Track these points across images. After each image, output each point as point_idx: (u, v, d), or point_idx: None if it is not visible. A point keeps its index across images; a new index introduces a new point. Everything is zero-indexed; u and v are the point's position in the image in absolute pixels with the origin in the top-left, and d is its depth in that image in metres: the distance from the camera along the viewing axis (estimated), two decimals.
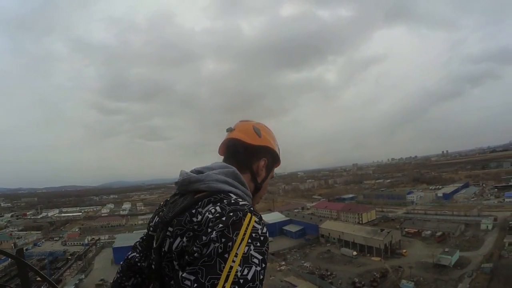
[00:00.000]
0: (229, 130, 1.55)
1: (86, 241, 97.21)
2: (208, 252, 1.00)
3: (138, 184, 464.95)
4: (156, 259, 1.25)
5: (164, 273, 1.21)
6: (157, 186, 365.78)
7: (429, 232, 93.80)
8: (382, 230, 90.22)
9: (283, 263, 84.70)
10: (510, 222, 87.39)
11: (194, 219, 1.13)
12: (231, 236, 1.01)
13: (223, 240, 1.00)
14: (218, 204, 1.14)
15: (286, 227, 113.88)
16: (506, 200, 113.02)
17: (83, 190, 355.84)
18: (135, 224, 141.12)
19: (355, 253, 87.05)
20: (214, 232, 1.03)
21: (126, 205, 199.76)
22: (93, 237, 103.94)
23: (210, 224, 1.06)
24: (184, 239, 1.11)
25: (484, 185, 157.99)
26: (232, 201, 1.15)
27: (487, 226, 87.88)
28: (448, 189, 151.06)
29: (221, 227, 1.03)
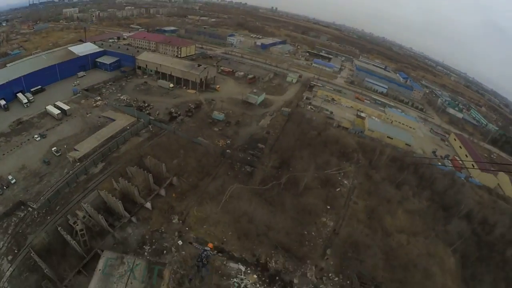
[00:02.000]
0: None
1: None
2: None
3: None
4: None
5: None
6: None
7: (242, 73, 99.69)
8: (199, 65, 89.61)
9: (99, 98, 77.92)
10: (312, 82, 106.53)
11: None
12: None
13: None
14: None
15: (100, 59, 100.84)
16: (313, 65, 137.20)
17: None
18: None
19: (171, 85, 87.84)
20: None
21: None
22: None
23: None
24: None
25: (299, 47, 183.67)
26: None
27: (292, 80, 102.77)
28: (267, 40, 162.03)
29: None
